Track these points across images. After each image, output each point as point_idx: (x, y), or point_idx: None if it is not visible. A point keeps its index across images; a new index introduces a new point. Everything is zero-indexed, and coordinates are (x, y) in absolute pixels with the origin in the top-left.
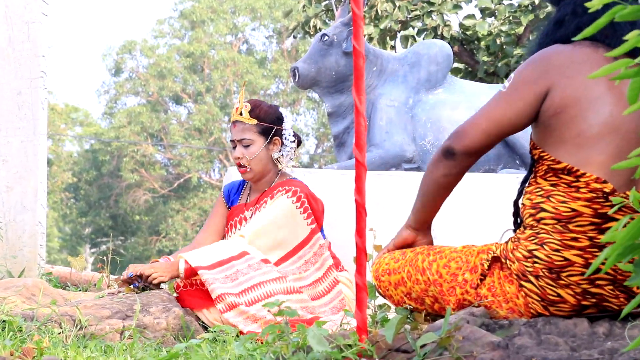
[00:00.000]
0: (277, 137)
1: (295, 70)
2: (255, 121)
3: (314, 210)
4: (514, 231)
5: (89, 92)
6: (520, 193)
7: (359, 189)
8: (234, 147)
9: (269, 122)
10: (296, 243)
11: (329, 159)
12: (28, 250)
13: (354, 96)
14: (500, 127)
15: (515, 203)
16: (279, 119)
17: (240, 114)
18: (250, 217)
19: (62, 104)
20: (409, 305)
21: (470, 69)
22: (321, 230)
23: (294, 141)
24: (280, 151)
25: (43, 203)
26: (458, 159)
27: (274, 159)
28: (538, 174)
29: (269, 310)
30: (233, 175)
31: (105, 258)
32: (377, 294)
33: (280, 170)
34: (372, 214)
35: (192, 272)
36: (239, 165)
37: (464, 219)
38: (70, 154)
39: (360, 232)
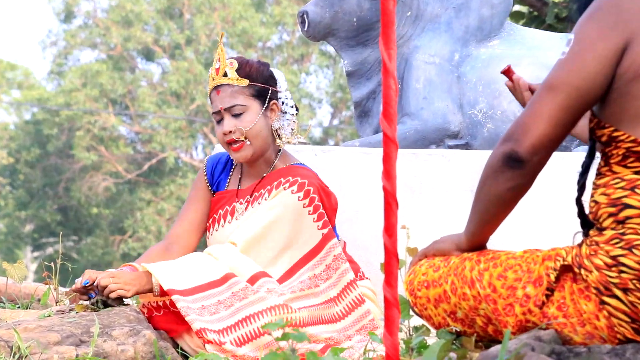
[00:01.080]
0: (274, 101)
1: (304, 16)
2: (246, 81)
3: (327, 209)
4: (585, 234)
5: (30, 44)
6: (582, 187)
7: (388, 173)
8: (219, 120)
9: (263, 82)
10: (303, 253)
11: (348, 133)
12: None
13: (382, 50)
14: (570, 108)
15: (579, 201)
16: (273, 79)
17: (225, 74)
18: (244, 212)
19: None
20: (454, 327)
21: (536, 13)
22: (334, 229)
23: (293, 106)
24: (279, 120)
25: None
26: (527, 165)
27: (274, 131)
28: (612, 161)
29: (268, 333)
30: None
31: (52, 264)
32: (411, 313)
33: (280, 148)
34: (405, 206)
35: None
36: (231, 143)
37: (526, 213)
38: (4, 126)
39: (389, 229)
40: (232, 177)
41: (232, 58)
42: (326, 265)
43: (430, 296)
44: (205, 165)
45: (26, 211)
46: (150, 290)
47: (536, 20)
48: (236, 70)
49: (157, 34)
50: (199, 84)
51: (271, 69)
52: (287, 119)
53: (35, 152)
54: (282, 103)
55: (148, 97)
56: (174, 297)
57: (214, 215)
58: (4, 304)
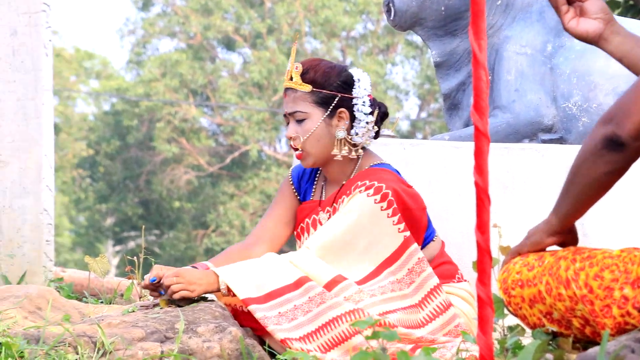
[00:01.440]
0: (343, 109)
1: (390, 4)
2: (309, 87)
3: (408, 210)
4: None
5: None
6: None
7: (480, 168)
8: (287, 124)
9: (330, 89)
10: (383, 258)
11: (436, 126)
12: (30, 247)
13: (472, 40)
14: None
15: None
16: (346, 84)
17: (291, 78)
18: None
19: (71, 48)
20: (550, 327)
21: (632, 2)
22: (428, 231)
23: (371, 112)
24: (353, 128)
25: (49, 184)
26: (627, 149)
27: (341, 140)
28: None
29: (358, 331)
30: None
31: (135, 259)
32: (506, 312)
33: (359, 154)
34: (497, 203)
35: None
36: (293, 149)
37: (625, 209)
38: (84, 116)
39: (481, 227)
40: (316, 186)
41: (301, 62)
42: (408, 270)
43: (524, 295)
44: (290, 174)
45: (107, 204)
46: (219, 290)
47: (632, 9)
48: (301, 75)
49: (237, 22)
50: (281, 74)
51: (351, 70)
52: (362, 127)
53: (115, 143)
54: (356, 109)
55: (229, 87)
56: (251, 308)
57: (301, 224)
58: (87, 298)
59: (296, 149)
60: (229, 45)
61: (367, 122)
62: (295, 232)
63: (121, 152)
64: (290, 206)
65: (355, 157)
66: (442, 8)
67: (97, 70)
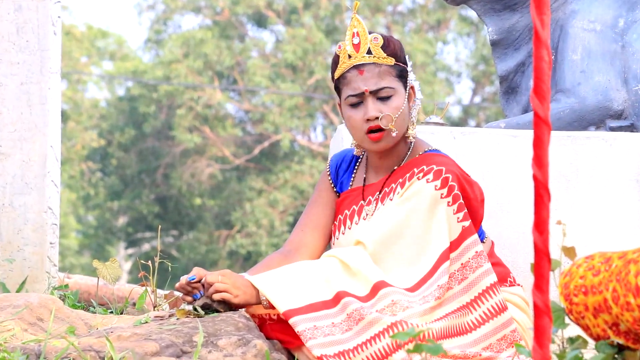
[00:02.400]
0: (412, 85)
1: None
2: (392, 60)
3: (470, 199)
4: None
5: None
6: None
7: (540, 160)
8: (357, 104)
9: (405, 62)
10: (443, 249)
11: (492, 112)
12: (31, 251)
13: (533, 15)
14: None
15: None
16: (406, 57)
17: (369, 51)
18: (374, 211)
19: (82, 25)
20: (616, 340)
21: None
22: (480, 230)
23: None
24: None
25: (55, 178)
26: None
27: (410, 118)
28: None
29: (399, 345)
30: (345, 138)
31: (149, 263)
32: (567, 321)
33: (410, 138)
34: (559, 199)
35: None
36: (372, 130)
37: (606, 208)
38: (95, 102)
39: (540, 225)
40: (356, 175)
41: (374, 33)
42: (462, 264)
43: (588, 304)
44: (329, 164)
45: (119, 201)
46: (259, 303)
47: None
48: (381, 47)
49: None
50: (318, 54)
51: None
52: (418, 105)
53: (129, 133)
54: (415, 87)
55: (260, 69)
56: (292, 321)
57: (339, 216)
58: (95, 308)
59: (376, 130)
60: (260, 21)
61: (420, 101)
62: (333, 225)
63: (136, 142)
64: (329, 204)
65: (412, 140)
66: None
67: (111, 50)
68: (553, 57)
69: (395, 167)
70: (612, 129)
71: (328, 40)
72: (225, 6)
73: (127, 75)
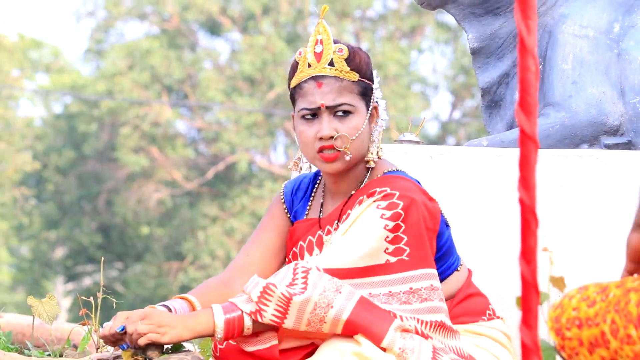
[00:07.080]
0: (375, 105)
1: None
2: (356, 75)
3: (427, 229)
4: None
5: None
6: None
7: (526, 181)
8: (311, 117)
9: (369, 78)
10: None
11: (473, 128)
12: None
13: (518, 21)
14: None
15: None
16: (372, 73)
17: (331, 63)
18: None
19: (13, 35)
20: None
21: None
22: (451, 259)
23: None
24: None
25: None
26: None
27: (371, 140)
28: None
29: None
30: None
31: (91, 300)
32: (558, 359)
33: (370, 163)
34: (548, 223)
35: (238, 331)
36: (327, 149)
37: (590, 229)
38: (28, 121)
39: (527, 254)
40: (313, 203)
41: (340, 43)
42: (410, 289)
43: (583, 338)
44: (282, 191)
45: (57, 231)
46: (210, 335)
47: None
48: (345, 60)
49: (224, 1)
50: (278, 65)
51: None
52: (381, 126)
53: (68, 155)
54: (379, 105)
55: (213, 83)
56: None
57: (294, 248)
58: (30, 350)
59: (329, 149)
60: (214, 29)
61: (384, 121)
62: (286, 259)
63: (76, 165)
64: (282, 230)
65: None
66: None
67: (47, 62)
68: (541, 66)
69: (353, 192)
70: (607, 147)
71: (289, 50)
72: (174, 12)
73: (65, 90)
